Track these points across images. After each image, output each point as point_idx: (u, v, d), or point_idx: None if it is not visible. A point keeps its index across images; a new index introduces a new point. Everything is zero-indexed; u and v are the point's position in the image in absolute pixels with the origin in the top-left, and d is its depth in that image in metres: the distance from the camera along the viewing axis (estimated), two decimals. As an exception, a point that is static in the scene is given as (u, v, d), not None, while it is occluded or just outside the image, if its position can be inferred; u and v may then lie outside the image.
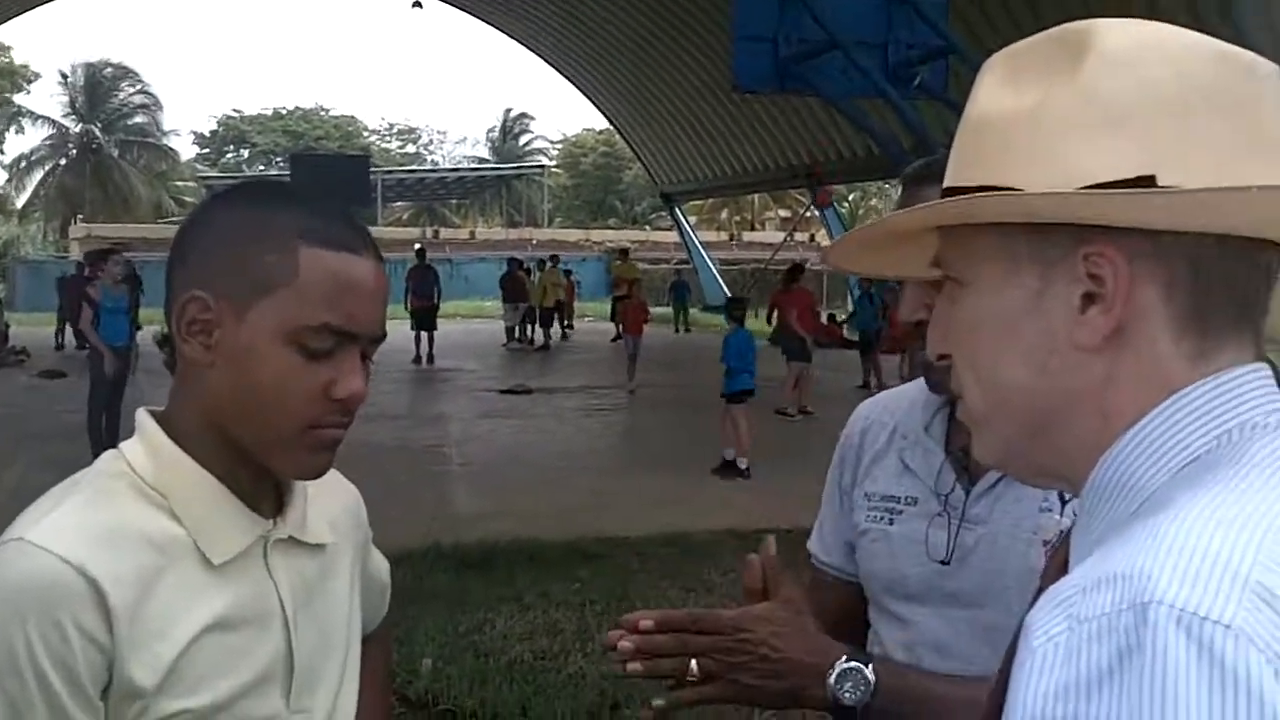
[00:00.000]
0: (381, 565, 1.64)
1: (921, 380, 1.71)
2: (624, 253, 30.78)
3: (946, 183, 0.89)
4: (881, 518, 1.70)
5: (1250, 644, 0.64)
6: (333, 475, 1.41)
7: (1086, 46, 0.82)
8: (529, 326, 25.84)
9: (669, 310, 30.18)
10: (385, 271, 1.31)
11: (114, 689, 1.16)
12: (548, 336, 25.51)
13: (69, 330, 20.72)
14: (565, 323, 27.85)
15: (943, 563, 1.60)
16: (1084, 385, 0.83)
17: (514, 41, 33.74)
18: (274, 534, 1.30)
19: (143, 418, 1.30)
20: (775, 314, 16.43)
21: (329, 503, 1.43)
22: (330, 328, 1.22)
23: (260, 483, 1.31)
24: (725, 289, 32.93)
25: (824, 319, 19.54)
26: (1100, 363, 0.82)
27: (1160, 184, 0.77)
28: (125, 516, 1.21)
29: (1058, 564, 0.91)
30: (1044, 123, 0.82)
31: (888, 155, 16.11)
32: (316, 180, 30.28)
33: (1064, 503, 1.54)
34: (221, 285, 1.23)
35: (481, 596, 6.67)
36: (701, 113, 28.54)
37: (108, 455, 1.29)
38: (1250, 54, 0.82)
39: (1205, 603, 0.65)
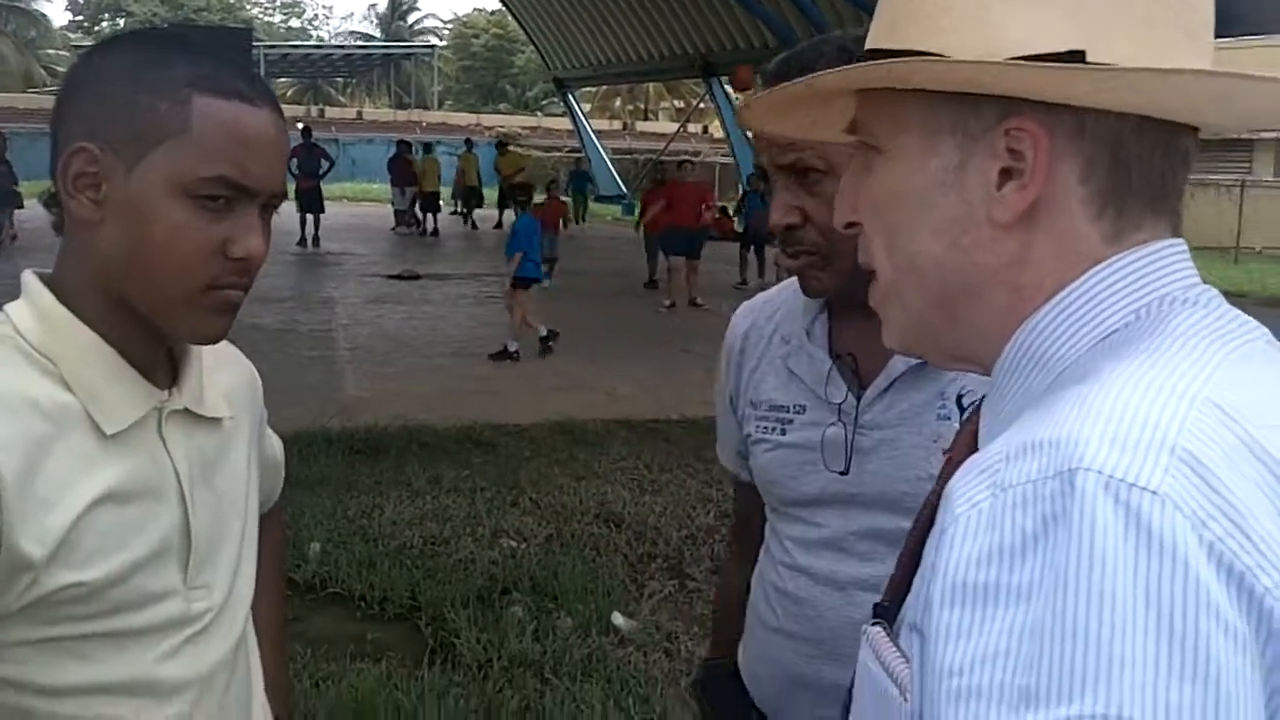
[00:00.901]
0: (276, 443, 1.61)
1: (795, 281, 1.68)
2: (502, 144, 29.53)
3: (869, 44, 0.87)
4: (773, 428, 1.68)
5: (1176, 510, 0.64)
6: (229, 349, 1.38)
7: None
8: (417, 211, 25.32)
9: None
10: (284, 125, 1.25)
11: (1, 559, 1.12)
12: (436, 222, 25.03)
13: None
14: (469, 210, 27.10)
15: (841, 472, 1.59)
16: (997, 261, 0.82)
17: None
18: (169, 405, 1.26)
19: (29, 279, 1.24)
20: (645, 209, 16.32)
21: (225, 377, 1.39)
22: (226, 180, 1.17)
23: (155, 351, 1.26)
24: (618, 179, 32.72)
25: (713, 212, 19.46)
26: (1014, 239, 0.81)
27: (1090, 60, 0.76)
28: (12, 383, 1.15)
29: (966, 439, 0.91)
30: None
31: (784, 47, 16.04)
32: (197, 53, 28.95)
33: (962, 410, 1.53)
34: (109, 136, 1.17)
35: (370, 482, 6.62)
36: (597, -3, 28.03)
37: None
38: None
39: (1133, 469, 0.65)
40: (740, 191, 22.98)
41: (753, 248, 17.33)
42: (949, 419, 1.53)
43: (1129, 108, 0.78)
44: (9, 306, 1.22)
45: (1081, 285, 0.80)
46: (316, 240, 20.78)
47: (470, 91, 71.12)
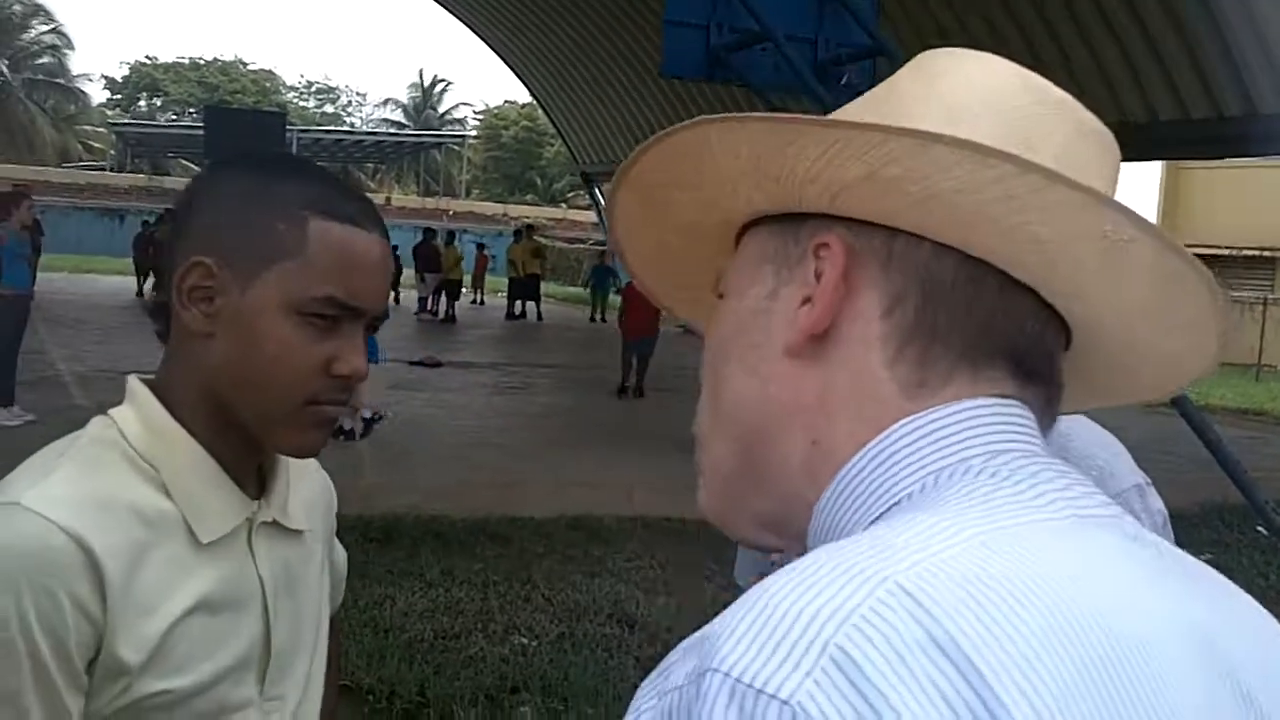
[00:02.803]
0: (342, 555, 1.63)
1: None
2: (529, 229, 29.58)
3: None
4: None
5: None
6: (310, 461, 1.41)
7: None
8: (440, 298, 25.60)
9: (584, 292, 29.67)
10: (389, 248, 1.30)
11: (99, 665, 1.14)
12: (454, 309, 25.29)
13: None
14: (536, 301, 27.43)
15: None
16: (794, 400, 0.73)
17: (440, 7, 33.29)
18: (259, 516, 1.29)
19: (135, 385, 1.27)
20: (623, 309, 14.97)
21: (306, 489, 1.42)
22: (335, 301, 1.21)
23: (250, 461, 1.30)
24: (640, 272, 32.86)
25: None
26: (813, 375, 0.72)
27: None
28: (117, 487, 1.18)
29: None
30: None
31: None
32: (231, 135, 29.62)
33: None
34: (227, 252, 1.22)
35: (383, 571, 6.58)
36: (626, 93, 28.46)
37: (99, 421, 1.26)
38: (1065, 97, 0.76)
39: (765, 672, 0.53)
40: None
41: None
42: None
43: (918, 226, 0.70)
44: (115, 411, 1.26)
45: (870, 450, 0.69)
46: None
47: (498, 181, 72.04)
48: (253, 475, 1.31)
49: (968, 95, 0.74)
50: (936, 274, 0.71)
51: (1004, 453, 0.68)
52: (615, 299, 28.43)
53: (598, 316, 27.63)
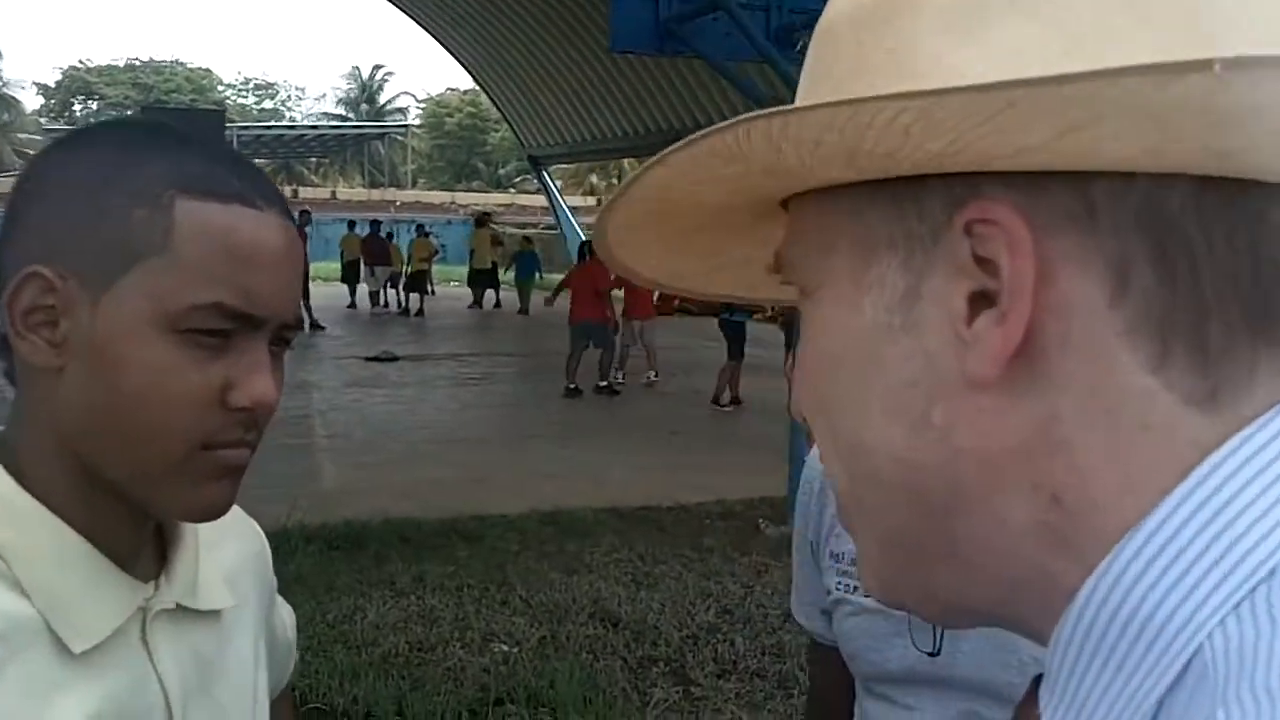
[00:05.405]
0: (288, 618, 1.28)
1: None
2: (486, 216, 28.37)
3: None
4: (855, 587, 1.41)
5: None
6: (234, 514, 1.05)
7: None
8: (389, 293, 25.26)
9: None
10: (296, 233, 0.95)
11: None
12: (409, 302, 24.87)
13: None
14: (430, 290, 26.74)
15: (930, 654, 1.32)
16: (997, 446, 0.49)
17: (378, -4, 32.78)
18: (155, 603, 0.95)
19: None
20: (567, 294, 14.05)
21: (228, 551, 1.08)
22: (224, 308, 0.87)
23: (137, 532, 0.95)
24: (593, 255, 32.60)
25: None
26: (1020, 410, 0.48)
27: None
28: None
29: None
30: (906, 12, 0.50)
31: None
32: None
33: None
34: (70, 257, 0.87)
35: (351, 581, 6.27)
36: (572, 74, 28.12)
37: None
38: None
39: None
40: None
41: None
42: None
43: (1155, 164, 0.45)
44: None
45: (1185, 504, 0.45)
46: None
47: (443, 169, 71.47)
48: (147, 549, 0.98)
49: None
50: (1168, 213, 0.45)
51: None
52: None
53: (528, 307, 24.46)
